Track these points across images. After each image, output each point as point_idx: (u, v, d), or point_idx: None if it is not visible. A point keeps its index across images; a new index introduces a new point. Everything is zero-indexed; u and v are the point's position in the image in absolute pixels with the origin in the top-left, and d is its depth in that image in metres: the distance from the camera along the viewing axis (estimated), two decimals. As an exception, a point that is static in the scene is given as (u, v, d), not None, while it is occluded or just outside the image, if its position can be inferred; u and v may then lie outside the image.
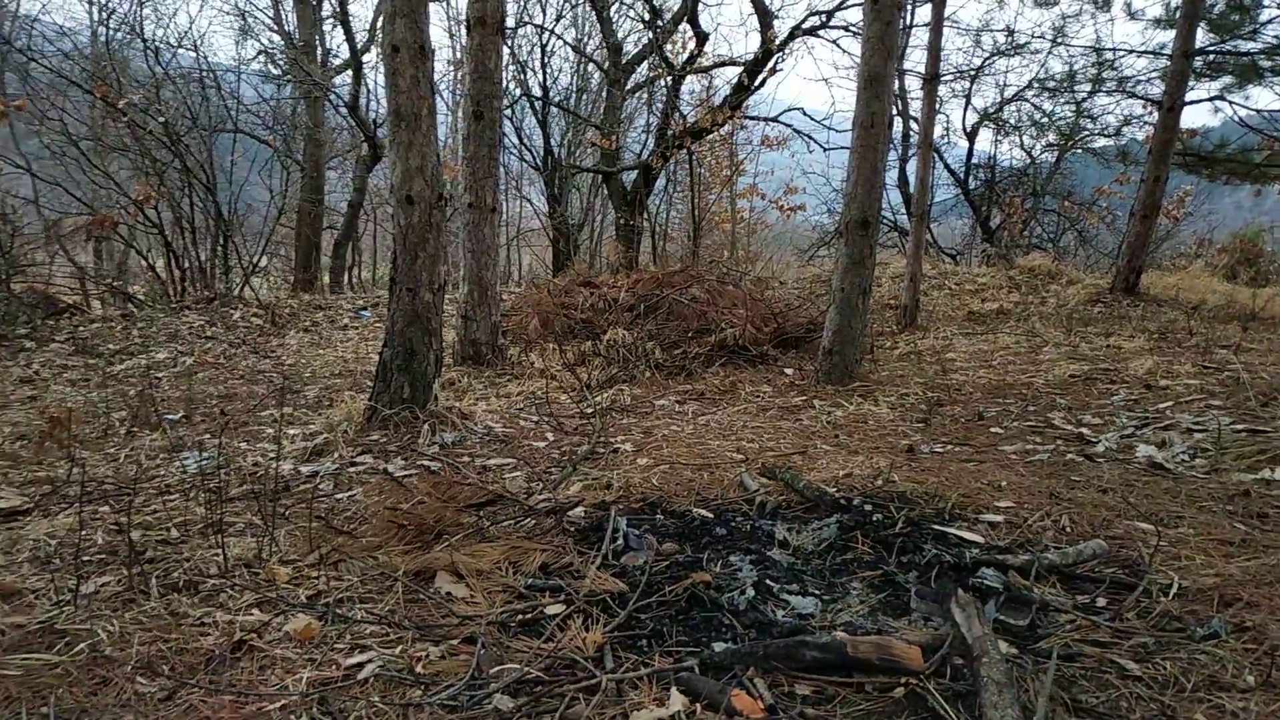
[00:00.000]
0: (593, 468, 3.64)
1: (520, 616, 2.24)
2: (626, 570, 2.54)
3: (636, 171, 11.18)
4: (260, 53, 12.19)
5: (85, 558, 2.67)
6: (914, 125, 12.50)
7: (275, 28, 12.03)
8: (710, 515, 2.96)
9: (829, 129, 10.33)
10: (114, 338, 7.54)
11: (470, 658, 2.02)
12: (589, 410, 4.43)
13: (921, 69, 8.28)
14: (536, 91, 12.31)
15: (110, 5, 18.98)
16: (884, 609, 2.31)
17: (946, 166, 13.85)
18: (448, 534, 2.78)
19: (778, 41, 9.85)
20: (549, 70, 12.75)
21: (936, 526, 2.84)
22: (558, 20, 12.59)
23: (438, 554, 2.59)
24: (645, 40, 11.69)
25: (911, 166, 11.92)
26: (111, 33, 12.15)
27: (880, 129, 5.08)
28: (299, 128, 11.92)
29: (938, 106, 9.99)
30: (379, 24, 12.49)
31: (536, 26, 11.41)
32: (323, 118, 11.55)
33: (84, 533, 2.89)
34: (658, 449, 3.91)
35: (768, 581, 2.42)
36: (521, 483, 3.44)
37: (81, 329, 7.82)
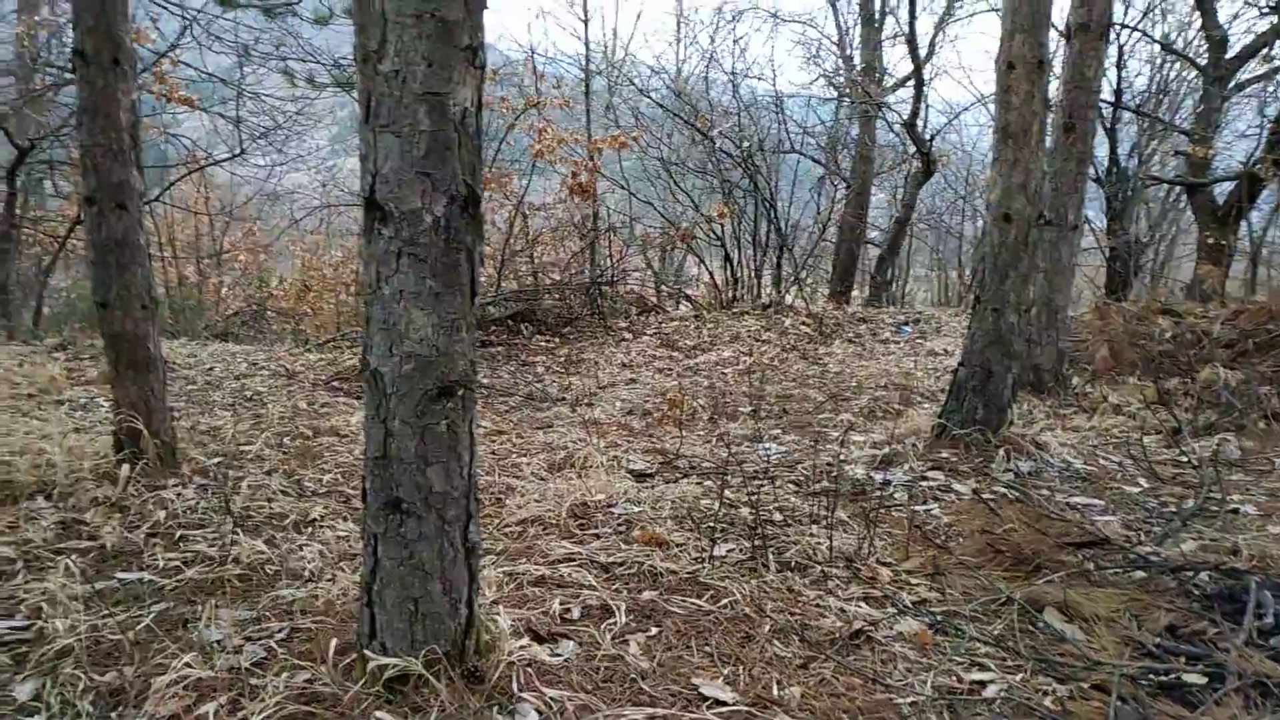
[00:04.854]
0: (1206, 526, 3.18)
1: (1155, 676, 2.04)
2: (1283, 655, 2.16)
3: (1235, 182, 9.51)
4: (820, 76, 13.03)
5: (710, 524, 3.10)
6: None
7: (839, 52, 12.76)
8: (1398, 612, 2.37)
9: None
10: (689, 335, 8.69)
11: (1103, 705, 1.90)
12: (1192, 459, 3.88)
13: None
14: (1107, 96, 11.18)
15: (697, 44, 22.02)
16: None
17: None
18: (1047, 568, 2.65)
19: None
20: (1124, 73, 11.48)
21: None
22: (1144, 16, 11.28)
23: (1043, 588, 2.49)
24: (1260, 29, 9.86)
25: None
26: (695, 68, 14.06)
27: None
28: (848, 146, 12.47)
29: None
30: (937, 39, 12.50)
31: (1126, 27, 10.36)
32: (874, 135, 11.93)
33: (707, 502, 3.36)
34: (1293, 516, 3.26)
35: None
36: (1118, 529, 3.14)
37: (665, 326, 9.16)
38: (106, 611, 2.34)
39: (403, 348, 1.72)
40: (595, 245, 10.39)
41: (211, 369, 7.02)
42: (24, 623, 2.34)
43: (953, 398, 4.17)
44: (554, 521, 3.12)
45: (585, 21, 12.21)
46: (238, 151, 10.55)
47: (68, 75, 10.60)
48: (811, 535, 2.94)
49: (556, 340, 8.56)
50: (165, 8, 10.38)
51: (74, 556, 2.72)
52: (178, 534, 3.03)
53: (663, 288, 11.43)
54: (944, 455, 4.00)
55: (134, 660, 2.10)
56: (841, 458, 4.15)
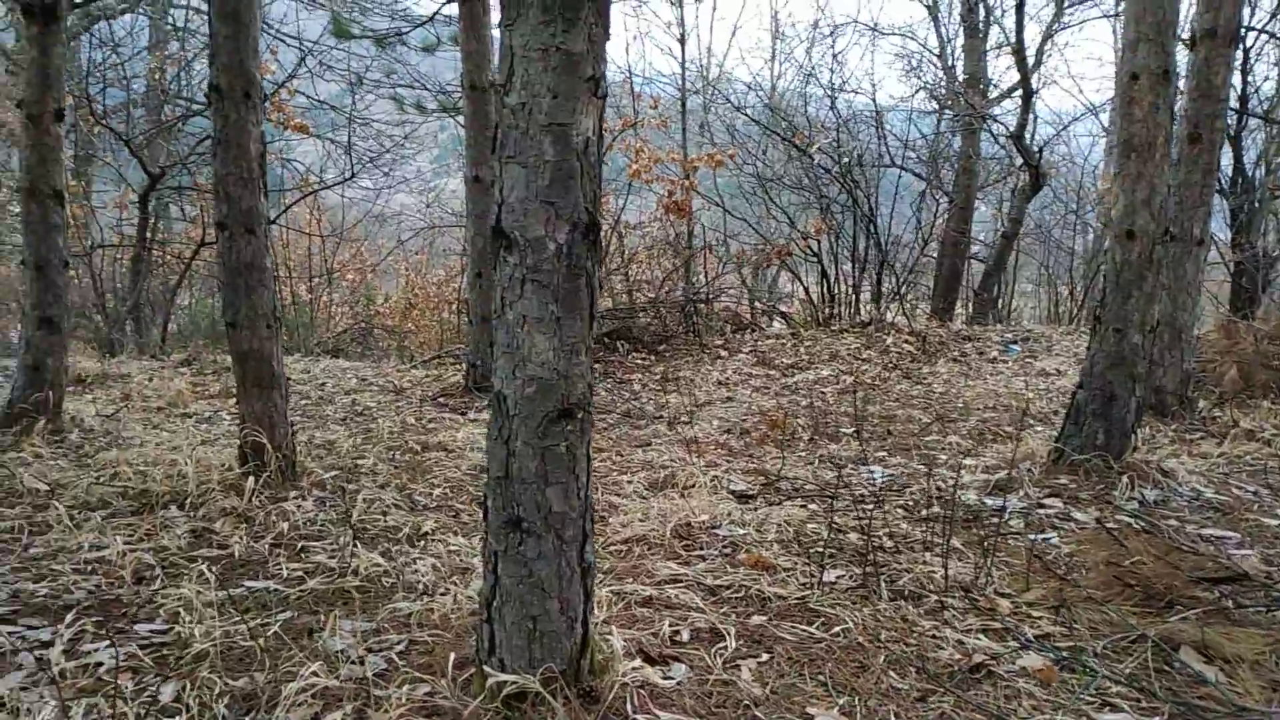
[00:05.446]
0: (1357, 562, 2.95)
1: (1309, 727, 1.90)
2: None
3: (1377, 193, 8.87)
4: (920, 88, 12.77)
5: (818, 549, 3.05)
6: None
7: (939, 64, 12.48)
8: None
9: None
10: (786, 353, 8.60)
11: (1252, 758, 1.78)
12: (1337, 489, 3.63)
13: None
14: (1232, 103, 10.59)
15: (793, 59, 21.90)
16: None
17: None
18: (1180, 605, 2.51)
19: None
20: (1250, 78, 10.86)
21: None
22: (1272, 17, 10.66)
23: (1178, 625, 2.35)
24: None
25: None
26: (790, 84, 14.02)
27: None
28: (950, 160, 12.16)
29: None
30: (1045, 48, 12.10)
31: (1253, 30, 9.81)
32: (978, 148, 11.60)
33: (813, 526, 3.31)
34: None
35: None
36: (1257, 564, 2.95)
37: (760, 343, 9.09)
38: (238, 618, 2.46)
39: (525, 371, 1.76)
40: (690, 263, 10.42)
41: (324, 384, 7.32)
42: (164, 626, 2.48)
43: (1071, 421, 4.01)
44: (658, 541, 3.13)
45: (681, 41, 12.26)
46: (349, 175, 11.01)
47: (195, 107, 11.32)
48: (924, 563, 2.86)
49: (652, 358, 8.60)
50: (283, 40, 10.97)
51: (206, 564, 2.87)
52: (299, 545, 3.17)
53: (756, 304, 11.34)
54: (1062, 481, 3.84)
55: (264, 666, 2.20)
56: (951, 482, 4.03)
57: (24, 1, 4.79)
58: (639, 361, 8.47)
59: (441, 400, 6.49)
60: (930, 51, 12.92)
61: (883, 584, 2.69)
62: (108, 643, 2.31)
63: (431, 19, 8.95)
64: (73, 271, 6.43)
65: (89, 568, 2.91)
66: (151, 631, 2.45)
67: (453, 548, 3.14)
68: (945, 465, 4.36)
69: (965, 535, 3.20)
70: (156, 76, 11.57)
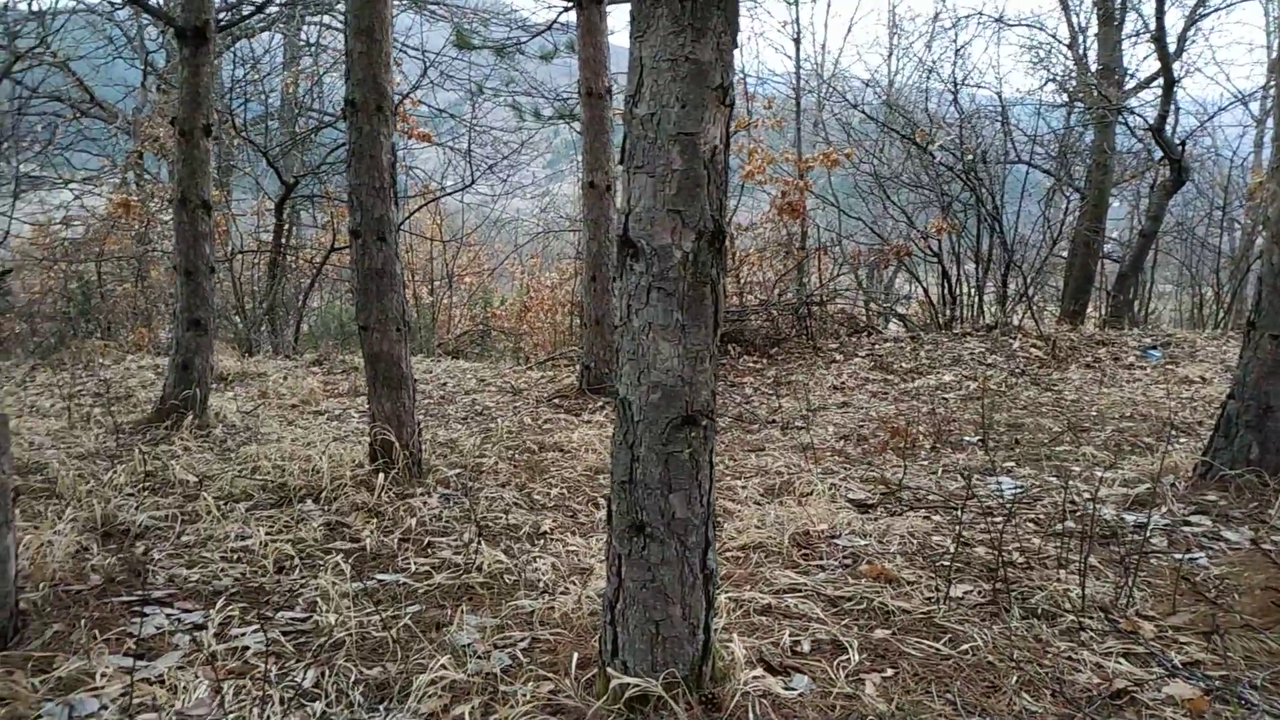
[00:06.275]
0: None
1: None
2: None
3: None
4: (1049, 80, 12.19)
5: (943, 562, 2.96)
6: None
7: (1070, 54, 11.88)
8: None
9: None
10: (905, 357, 8.36)
11: None
12: None
13: None
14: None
15: (911, 53, 21.32)
16: None
17: None
18: (1351, 636, 2.31)
19: None
20: None
21: None
22: None
23: (1349, 659, 2.17)
24: None
25: None
26: (909, 79, 13.64)
27: None
28: (1081, 154, 11.57)
29: None
30: (1189, 33, 11.34)
31: None
32: (1113, 142, 10.98)
33: (938, 538, 3.21)
34: None
35: None
36: None
37: (878, 347, 8.87)
38: (371, 609, 2.57)
39: (650, 377, 1.77)
40: (804, 264, 10.27)
41: (445, 384, 7.57)
42: (303, 614, 2.62)
43: (1220, 434, 3.74)
44: (776, 549, 3.10)
45: (796, 40, 12.17)
46: (469, 183, 11.35)
47: (326, 119, 11.90)
48: (1059, 580, 2.73)
49: (764, 361, 8.52)
50: (406, 52, 11.41)
51: (340, 556, 3.02)
52: (426, 540, 3.29)
53: (873, 306, 11.07)
54: (1210, 498, 3.59)
55: (396, 657, 2.29)
56: (1086, 496, 3.83)
57: (177, 26, 5.15)
58: (751, 365, 8.41)
59: (557, 401, 6.61)
60: (1060, 42, 12.30)
61: (1014, 601, 2.58)
62: (255, 628, 2.45)
63: (549, 27, 9.14)
64: (216, 275, 6.88)
65: (235, 556, 3.10)
66: (292, 619, 2.59)
67: (571, 547, 3.19)
68: (1079, 477, 4.14)
69: (1103, 553, 3.04)
70: (291, 90, 12.23)
